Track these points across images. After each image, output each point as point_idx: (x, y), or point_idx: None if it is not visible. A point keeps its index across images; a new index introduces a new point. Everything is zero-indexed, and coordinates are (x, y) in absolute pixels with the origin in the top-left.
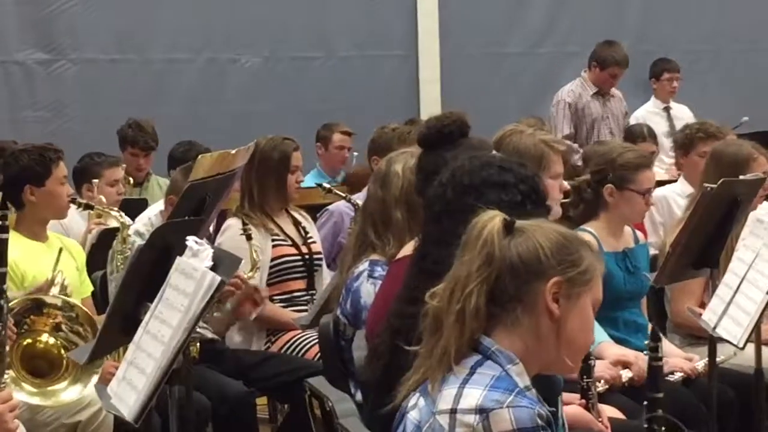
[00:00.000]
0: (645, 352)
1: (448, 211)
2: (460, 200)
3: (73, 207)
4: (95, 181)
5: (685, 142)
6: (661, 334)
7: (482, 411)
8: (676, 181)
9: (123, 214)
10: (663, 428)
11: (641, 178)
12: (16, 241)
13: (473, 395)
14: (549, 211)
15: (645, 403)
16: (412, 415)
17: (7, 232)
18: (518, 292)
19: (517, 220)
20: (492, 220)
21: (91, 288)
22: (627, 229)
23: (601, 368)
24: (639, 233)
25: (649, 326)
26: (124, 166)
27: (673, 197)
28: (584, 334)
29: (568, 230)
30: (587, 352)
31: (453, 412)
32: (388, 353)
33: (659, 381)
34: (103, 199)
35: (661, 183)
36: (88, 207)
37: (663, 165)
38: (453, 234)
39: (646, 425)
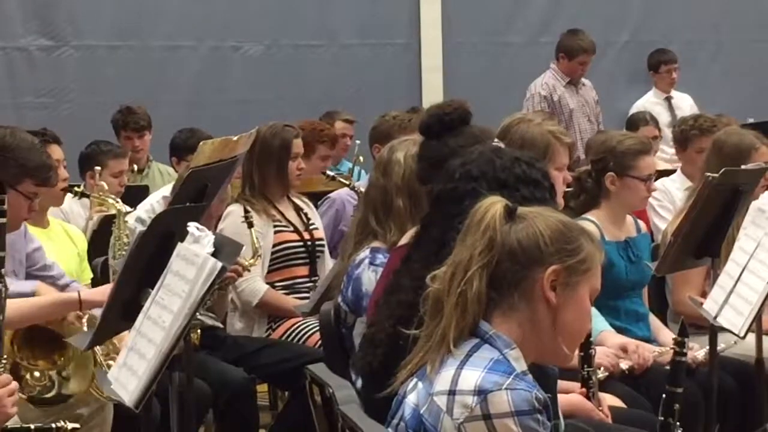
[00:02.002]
0: (670, 346)
1: None
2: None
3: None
4: (97, 168)
5: (681, 139)
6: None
7: (480, 392)
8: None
9: (120, 201)
10: (678, 423)
11: (642, 165)
12: None
13: (471, 377)
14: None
15: (663, 396)
16: (410, 399)
17: (4, 217)
18: (516, 278)
19: (519, 207)
20: (494, 205)
21: (90, 275)
22: (629, 218)
23: (600, 356)
24: (641, 222)
25: (681, 321)
26: (130, 153)
27: (675, 187)
28: (581, 322)
29: (569, 219)
30: (588, 342)
31: (451, 393)
32: (389, 341)
33: (681, 376)
34: (105, 186)
35: (663, 173)
36: (84, 195)
37: (665, 155)
38: None
39: (662, 417)
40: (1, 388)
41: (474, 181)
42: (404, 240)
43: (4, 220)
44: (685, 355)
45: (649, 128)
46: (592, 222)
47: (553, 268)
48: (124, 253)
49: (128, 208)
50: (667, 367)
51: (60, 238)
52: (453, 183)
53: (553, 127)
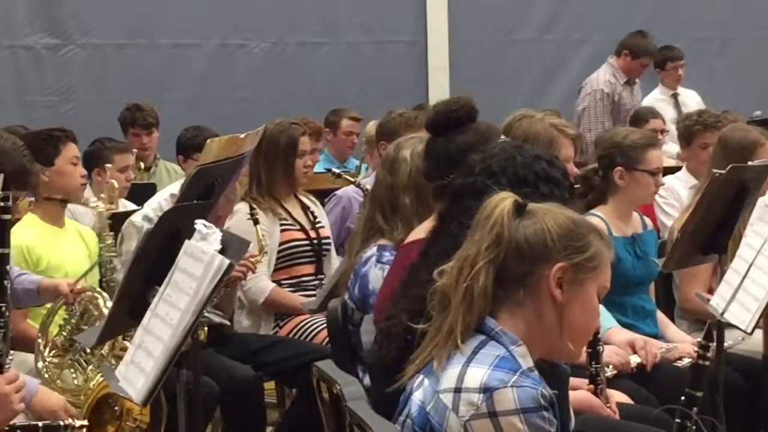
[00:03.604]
0: (695, 349)
1: None
2: (513, 191)
3: None
4: (108, 165)
5: (685, 134)
6: (714, 334)
7: (486, 390)
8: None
9: (125, 201)
10: (694, 427)
11: (650, 158)
12: (34, 225)
13: (477, 374)
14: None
15: (682, 398)
16: (417, 396)
17: (9, 213)
18: (523, 274)
19: (530, 203)
20: (503, 201)
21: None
22: (635, 214)
23: (609, 353)
24: (647, 219)
25: (706, 325)
26: (135, 151)
27: (680, 185)
28: (588, 320)
29: (579, 216)
30: (596, 338)
31: (457, 390)
32: (405, 335)
33: (703, 380)
34: (116, 184)
35: (670, 170)
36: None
37: (672, 152)
38: None
39: (678, 420)
40: (8, 385)
41: (494, 177)
42: (411, 237)
43: (8, 216)
44: (708, 359)
45: (657, 121)
46: (598, 217)
47: (559, 265)
48: (113, 277)
49: (133, 206)
50: (675, 364)
51: (73, 238)
52: (472, 177)
53: (556, 121)
